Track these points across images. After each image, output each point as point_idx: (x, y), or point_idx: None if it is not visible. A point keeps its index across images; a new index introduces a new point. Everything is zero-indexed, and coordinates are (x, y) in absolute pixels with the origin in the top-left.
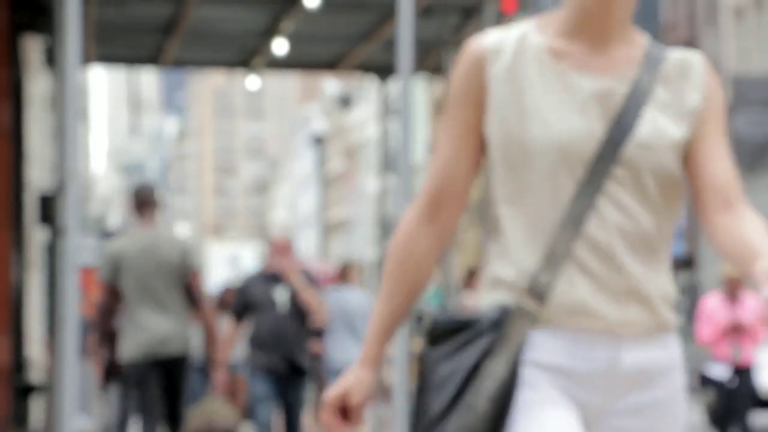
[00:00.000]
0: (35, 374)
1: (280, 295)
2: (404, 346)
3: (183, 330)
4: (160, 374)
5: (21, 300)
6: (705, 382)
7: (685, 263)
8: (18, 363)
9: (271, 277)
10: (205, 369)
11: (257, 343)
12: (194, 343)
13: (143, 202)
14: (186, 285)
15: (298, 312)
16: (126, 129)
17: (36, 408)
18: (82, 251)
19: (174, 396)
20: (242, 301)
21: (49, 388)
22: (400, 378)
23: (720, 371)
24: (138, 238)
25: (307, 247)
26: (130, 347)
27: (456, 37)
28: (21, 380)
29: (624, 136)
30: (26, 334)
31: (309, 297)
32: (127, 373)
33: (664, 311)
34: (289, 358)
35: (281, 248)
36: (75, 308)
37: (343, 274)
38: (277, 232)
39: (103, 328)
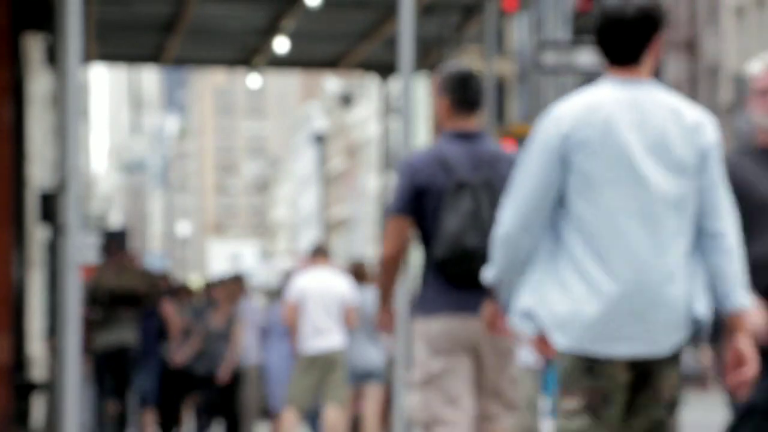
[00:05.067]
0: (36, 372)
1: None
2: (404, 346)
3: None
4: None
5: (22, 298)
6: None
7: None
8: (19, 361)
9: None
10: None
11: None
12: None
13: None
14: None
15: None
16: (127, 127)
17: (37, 406)
18: (82, 249)
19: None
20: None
21: (50, 386)
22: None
23: None
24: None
25: (308, 245)
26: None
27: (457, 36)
28: (22, 378)
29: None
30: (27, 332)
31: None
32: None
33: None
34: None
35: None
36: (76, 306)
37: (359, 274)
38: None
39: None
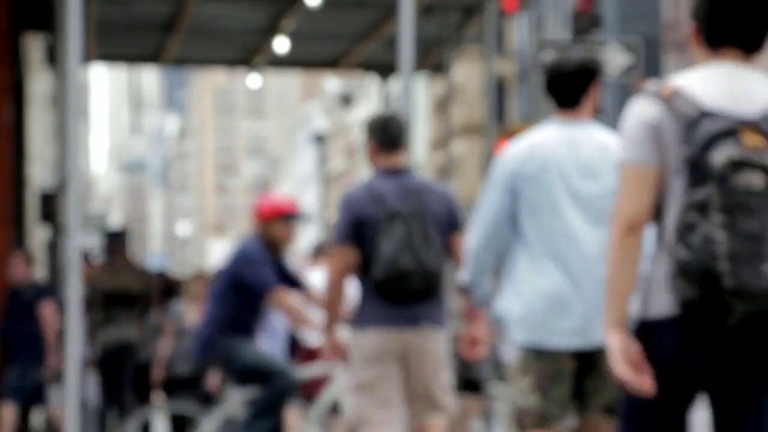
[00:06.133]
0: None
1: None
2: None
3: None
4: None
5: None
6: None
7: None
8: None
9: None
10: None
11: None
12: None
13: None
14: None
15: None
16: (127, 127)
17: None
18: (83, 249)
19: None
20: None
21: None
22: None
23: None
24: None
25: (308, 245)
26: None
27: (457, 36)
28: None
29: None
30: None
31: None
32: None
33: None
34: None
35: None
36: (77, 306)
37: None
38: None
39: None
